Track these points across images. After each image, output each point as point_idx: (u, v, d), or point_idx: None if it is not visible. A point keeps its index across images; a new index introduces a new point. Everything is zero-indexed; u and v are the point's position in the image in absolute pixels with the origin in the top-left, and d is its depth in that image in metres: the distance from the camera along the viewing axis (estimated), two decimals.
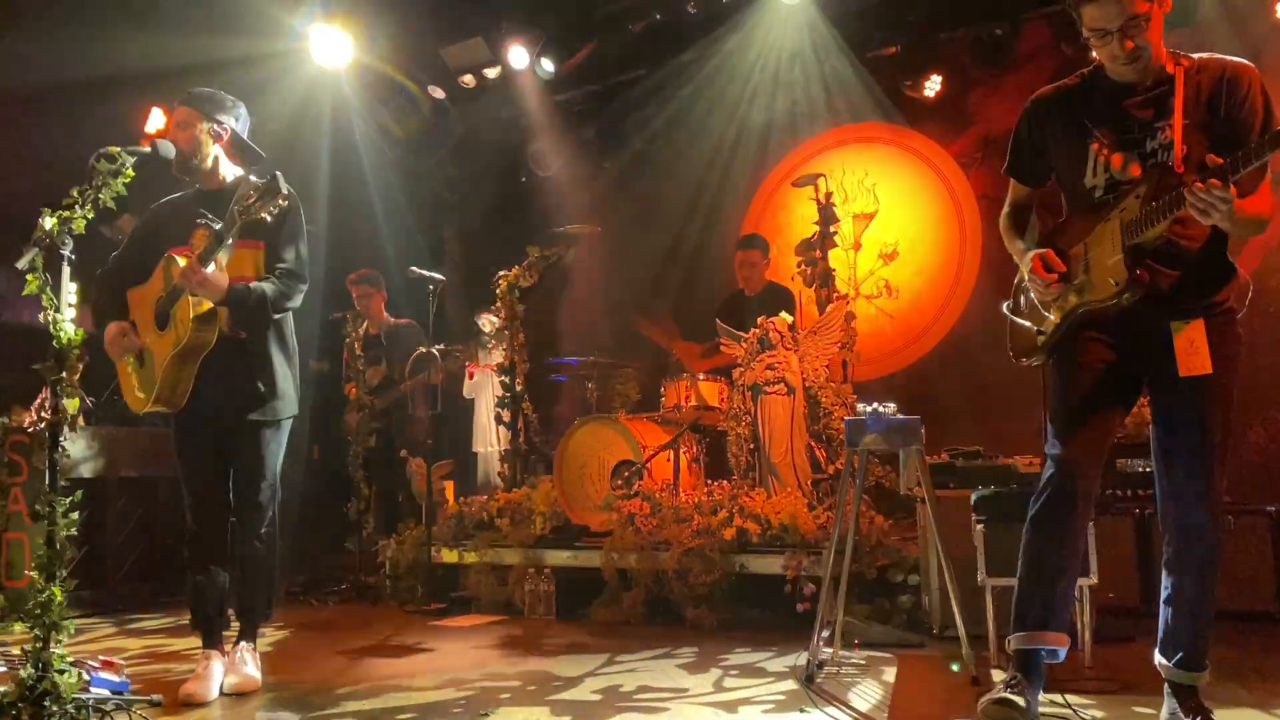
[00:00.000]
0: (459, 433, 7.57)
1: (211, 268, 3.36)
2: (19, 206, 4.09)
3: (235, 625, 3.74)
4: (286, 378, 3.71)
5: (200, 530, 3.64)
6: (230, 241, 3.38)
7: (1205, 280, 2.59)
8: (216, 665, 3.56)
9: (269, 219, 3.37)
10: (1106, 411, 2.69)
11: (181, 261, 3.40)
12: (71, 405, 3.10)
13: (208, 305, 3.42)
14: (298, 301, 3.68)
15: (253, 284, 3.52)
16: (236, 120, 3.76)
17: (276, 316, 3.63)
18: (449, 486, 7.10)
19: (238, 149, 3.78)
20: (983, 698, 2.64)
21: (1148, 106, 2.60)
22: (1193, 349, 2.54)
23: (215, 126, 3.68)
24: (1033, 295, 2.86)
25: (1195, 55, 2.59)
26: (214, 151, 3.68)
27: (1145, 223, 2.51)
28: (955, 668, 3.45)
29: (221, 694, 3.49)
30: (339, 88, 7.82)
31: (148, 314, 3.60)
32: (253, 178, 3.56)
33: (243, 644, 3.66)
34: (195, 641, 3.68)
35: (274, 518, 3.71)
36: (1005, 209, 2.99)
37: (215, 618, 3.64)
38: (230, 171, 3.75)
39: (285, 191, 3.33)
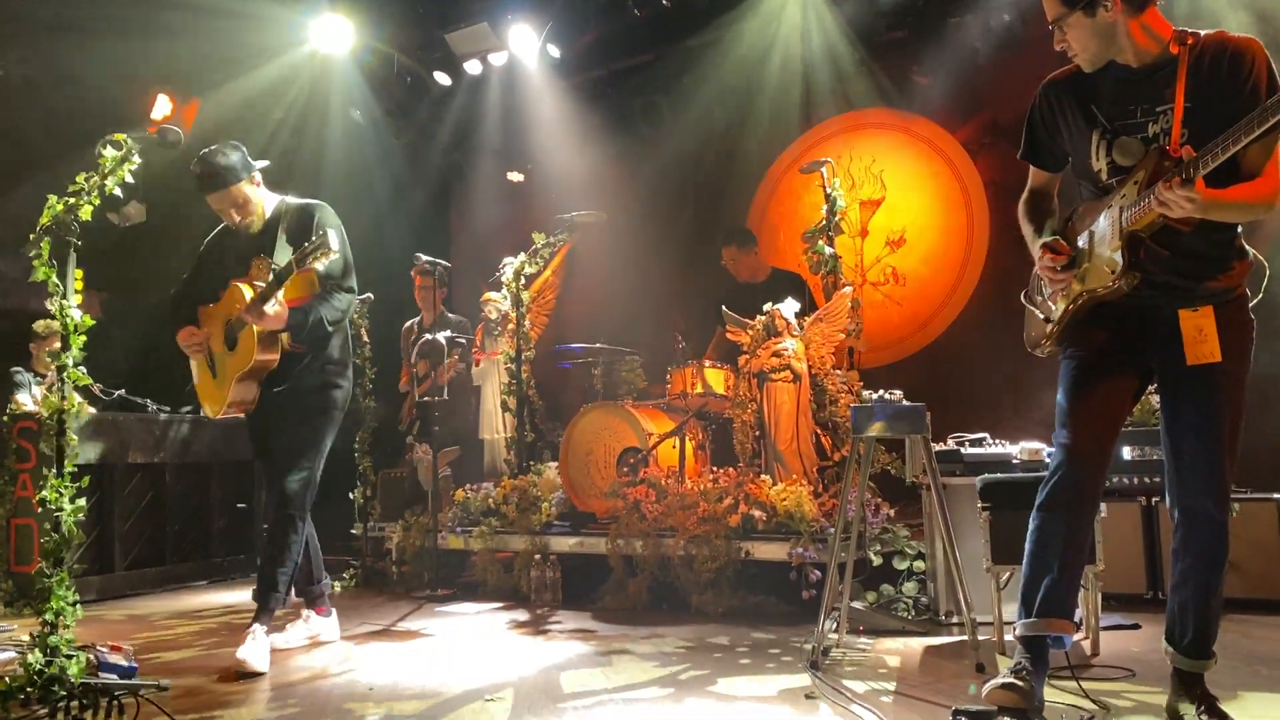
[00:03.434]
0: (465, 420, 7.57)
1: (272, 304, 3.69)
2: (23, 196, 4.11)
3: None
4: (335, 375, 4.04)
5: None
6: (286, 277, 3.71)
7: (1209, 265, 2.56)
8: (306, 623, 4.18)
9: (321, 269, 3.72)
10: (1115, 400, 2.68)
11: (247, 293, 3.75)
12: (71, 397, 3.12)
13: (270, 331, 3.79)
14: (350, 310, 4.03)
15: (309, 307, 3.83)
16: (249, 160, 3.98)
17: (330, 330, 3.92)
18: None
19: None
20: (988, 683, 2.64)
21: (1150, 89, 2.58)
22: (1201, 336, 2.52)
23: (250, 178, 3.94)
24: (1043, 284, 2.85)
25: (1202, 32, 2.56)
26: (259, 197, 3.98)
27: (1139, 210, 2.49)
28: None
29: (237, 670, 3.60)
30: (343, 74, 7.81)
31: (219, 331, 3.97)
32: (290, 200, 4.00)
33: (255, 625, 3.81)
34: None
35: (311, 500, 3.95)
36: (1024, 195, 2.97)
37: (307, 587, 4.18)
38: (269, 203, 4.03)
39: (335, 248, 3.62)
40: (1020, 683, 2.58)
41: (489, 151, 8.91)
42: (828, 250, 5.09)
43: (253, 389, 3.92)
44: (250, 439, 4.17)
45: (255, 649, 3.66)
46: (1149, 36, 2.55)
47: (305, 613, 4.22)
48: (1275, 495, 4.27)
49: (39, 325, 6.46)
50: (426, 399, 5.97)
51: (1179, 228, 2.46)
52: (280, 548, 3.87)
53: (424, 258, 6.00)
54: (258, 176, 3.98)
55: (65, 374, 3.19)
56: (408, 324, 6.84)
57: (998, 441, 4.40)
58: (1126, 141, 2.57)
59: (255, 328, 3.74)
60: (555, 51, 7.70)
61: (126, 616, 5.11)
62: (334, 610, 4.29)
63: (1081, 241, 2.72)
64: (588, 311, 8.64)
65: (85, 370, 3.26)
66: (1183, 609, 2.63)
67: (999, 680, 2.62)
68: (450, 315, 6.91)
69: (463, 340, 6.69)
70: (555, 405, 7.67)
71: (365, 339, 6.38)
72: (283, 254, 3.80)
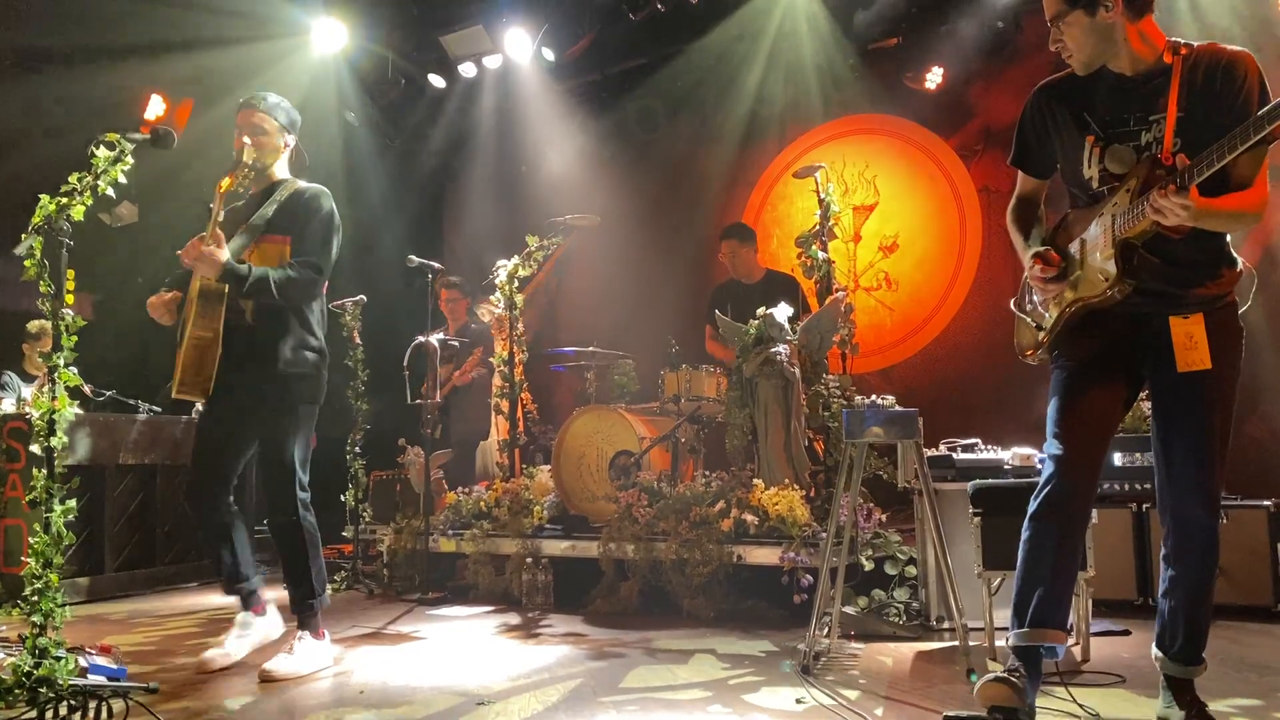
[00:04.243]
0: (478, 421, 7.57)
1: (210, 246, 3.45)
2: (18, 193, 4.09)
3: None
4: (305, 365, 3.76)
5: (195, 514, 3.79)
6: (221, 218, 3.54)
7: (1200, 273, 2.58)
8: (242, 629, 3.81)
9: (244, 192, 3.58)
10: (1106, 408, 2.69)
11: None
12: (65, 394, 3.11)
13: (213, 288, 3.51)
14: (312, 290, 3.75)
15: (255, 266, 3.59)
16: (296, 131, 3.94)
17: (280, 300, 3.63)
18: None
19: (296, 156, 3.98)
20: (982, 678, 2.64)
21: (1144, 98, 2.59)
22: (1191, 344, 2.53)
23: (286, 137, 3.87)
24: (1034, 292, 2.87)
25: (1195, 44, 2.58)
26: (280, 159, 3.86)
27: (1133, 218, 2.51)
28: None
29: (259, 677, 3.55)
30: (339, 75, 7.81)
31: (187, 307, 3.74)
32: (297, 181, 3.84)
33: (298, 632, 3.75)
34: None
35: (302, 503, 3.73)
36: (1012, 201, 2.99)
37: (236, 586, 3.84)
38: (281, 173, 3.90)
39: (249, 163, 3.61)
40: (1014, 679, 2.59)
41: (483, 154, 8.91)
42: (821, 255, 5.10)
43: (207, 362, 3.53)
44: (199, 433, 3.81)
45: (291, 660, 3.63)
46: (1145, 44, 2.57)
47: (240, 617, 3.89)
48: (1265, 502, 4.29)
49: (33, 325, 6.45)
50: (420, 401, 5.96)
51: (1170, 235, 2.48)
52: (292, 553, 3.73)
53: (417, 259, 5.98)
54: (289, 139, 3.89)
55: (56, 374, 3.18)
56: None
57: (989, 447, 4.41)
58: (1119, 149, 2.58)
59: (196, 282, 3.51)
60: (550, 55, 7.70)
61: (116, 618, 5.09)
62: (271, 606, 3.98)
63: (1073, 249, 2.73)
64: (581, 315, 8.65)
65: (76, 371, 3.24)
66: (1173, 615, 2.64)
67: (992, 675, 2.62)
68: (474, 325, 6.96)
69: (456, 344, 6.69)
70: (548, 408, 7.67)
71: (358, 341, 6.38)
72: (258, 222, 3.66)
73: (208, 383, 3.55)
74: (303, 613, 3.77)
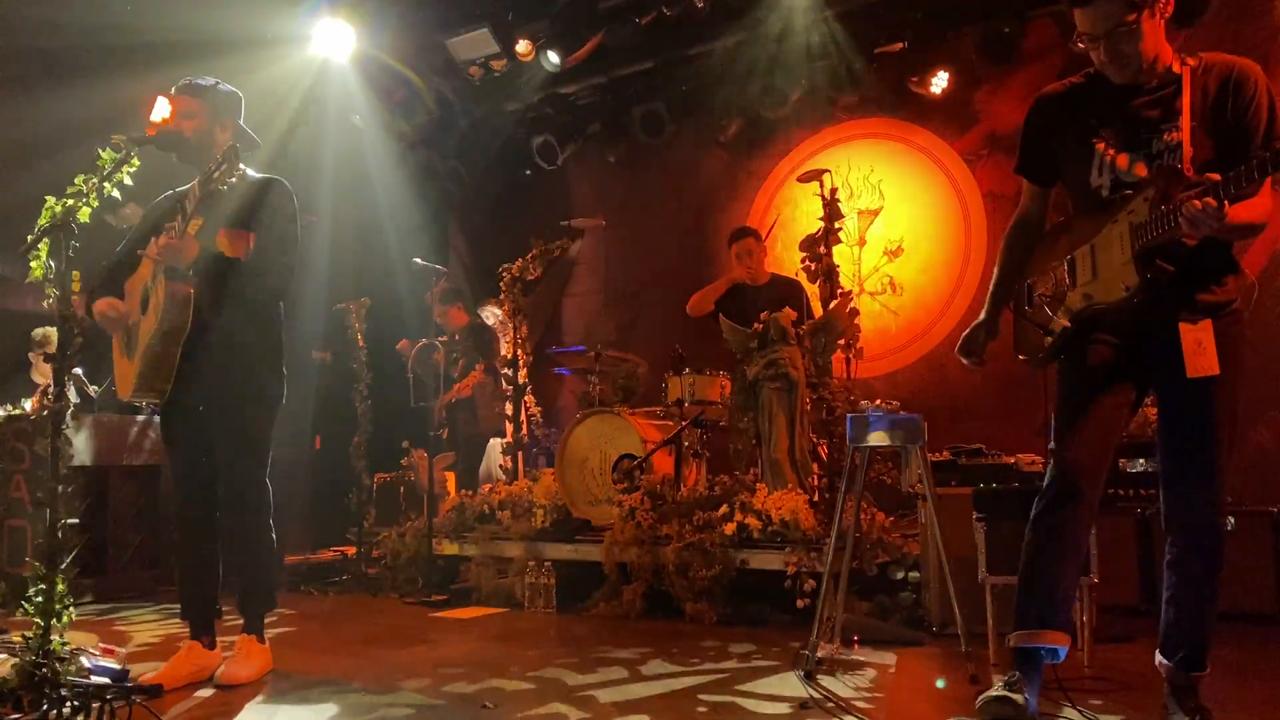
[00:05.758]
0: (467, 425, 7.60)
1: (184, 239, 3.37)
2: (24, 196, 4.10)
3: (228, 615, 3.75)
4: (269, 363, 3.68)
5: (185, 520, 3.65)
6: (191, 212, 3.42)
7: (1210, 278, 2.58)
8: (195, 655, 3.59)
9: (225, 189, 3.43)
10: (1112, 413, 2.69)
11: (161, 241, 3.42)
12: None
13: (181, 291, 3.41)
14: (281, 283, 3.63)
15: (228, 255, 3.49)
16: (237, 111, 3.79)
17: (256, 293, 3.55)
18: (450, 478, 7.12)
19: (237, 138, 3.76)
20: (981, 695, 2.64)
21: (1155, 107, 2.59)
22: (1200, 350, 2.53)
23: (220, 116, 3.70)
24: (1038, 295, 2.87)
25: (1202, 55, 2.58)
26: (220, 142, 3.66)
27: (1154, 228, 2.51)
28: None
29: (214, 684, 3.48)
30: (344, 80, 7.82)
31: (135, 301, 3.59)
32: (249, 172, 3.65)
33: (241, 635, 3.67)
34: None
35: (266, 504, 3.65)
36: (1014, 218, 2.99)
37: (203, 609, 3.67)
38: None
39: (238, 161, 3.40)
40: (1014, 694, 2.58)
41: (489, 157, 8.92)
42: (825, 259, 5.09)
43: (168, 359, 3.44)
44: (164, 426, 3.72)
45: (236, 663, 3.55)
46: (1157, 54, 2.58)
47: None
48: (1269, 508, 4.28)
49: (37, 332, 6.45)
50: (424, 404, 5.97)
51: (1185, 243, 2.48)
52: (249, 559, 3.62)
53: (421, 263, 5.99)
54: (227, 124, 3.70)
55: (64, 374, 3.19)
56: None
57: (994, 452, 4.40)
58: (1132, 158, 2.59)
59: (164, 277, 3.38)
60: (556, 58, 7.71)
61: (120, 620, 5.10)
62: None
63: (1081, 256, 2.73)
64: (585, 318, 8.66)
65: (81, 372, 3.25)
66: (1177, 621, 2.63)
67: (992, 692, 2.62)
68: (476, 323, 7.03)
69: (455, 342, 6.72)
70: (552, 411, 7.68)
71: (362, 343, 6.39)
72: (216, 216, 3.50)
73: (167, 383, 3.48)
74: (259, 618, 3.68)
